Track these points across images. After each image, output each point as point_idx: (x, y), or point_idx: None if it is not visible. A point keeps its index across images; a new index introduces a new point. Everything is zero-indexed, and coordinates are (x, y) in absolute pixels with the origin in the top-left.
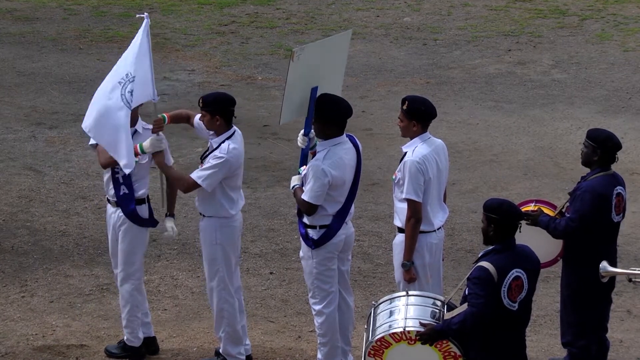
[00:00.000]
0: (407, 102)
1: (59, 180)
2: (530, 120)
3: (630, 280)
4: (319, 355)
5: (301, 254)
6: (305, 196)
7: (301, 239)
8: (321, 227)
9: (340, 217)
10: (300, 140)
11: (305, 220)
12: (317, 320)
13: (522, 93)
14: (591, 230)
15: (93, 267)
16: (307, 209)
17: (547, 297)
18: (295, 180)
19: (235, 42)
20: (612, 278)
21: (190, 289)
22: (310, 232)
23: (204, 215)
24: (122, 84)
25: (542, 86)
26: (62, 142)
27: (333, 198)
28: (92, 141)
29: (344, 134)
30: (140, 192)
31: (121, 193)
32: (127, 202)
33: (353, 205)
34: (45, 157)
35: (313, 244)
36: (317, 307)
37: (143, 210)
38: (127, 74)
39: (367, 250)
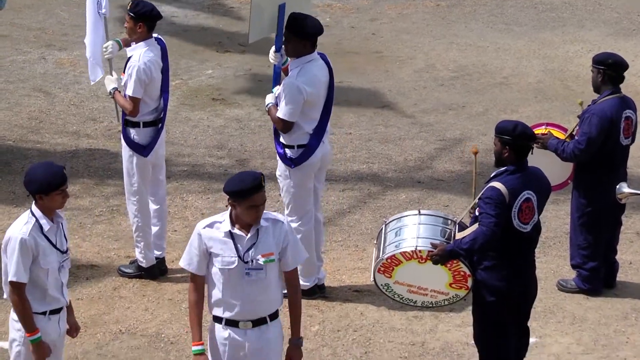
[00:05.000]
0: None
1: (68, 102)
2: (540, 43)
3: None
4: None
5: (278, 172)
6: (280, 113)
7: (278, 158)
8: (299, 146)
9: (317, 135)
10: (272, 56)
11: (283, 139)
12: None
13: (533, 16)
14: (599, 153)
15: (103, 188)
16: (282, 126)
17: (557, 220)
18: (269, 99)
19: None
20: None
21: (200, 210)
22: (289, 151)
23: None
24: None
25: (552, 9)
26: (72, 64)
27: (309, 116)
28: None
29: (315, 51)
30: (139, 116)
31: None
32: (124, 122)
33: (329, 124)
34: (55, 79)
35: (292, 163)
36: (295, 225)
37: (136, 134)
38: None
39: (376, 172)
